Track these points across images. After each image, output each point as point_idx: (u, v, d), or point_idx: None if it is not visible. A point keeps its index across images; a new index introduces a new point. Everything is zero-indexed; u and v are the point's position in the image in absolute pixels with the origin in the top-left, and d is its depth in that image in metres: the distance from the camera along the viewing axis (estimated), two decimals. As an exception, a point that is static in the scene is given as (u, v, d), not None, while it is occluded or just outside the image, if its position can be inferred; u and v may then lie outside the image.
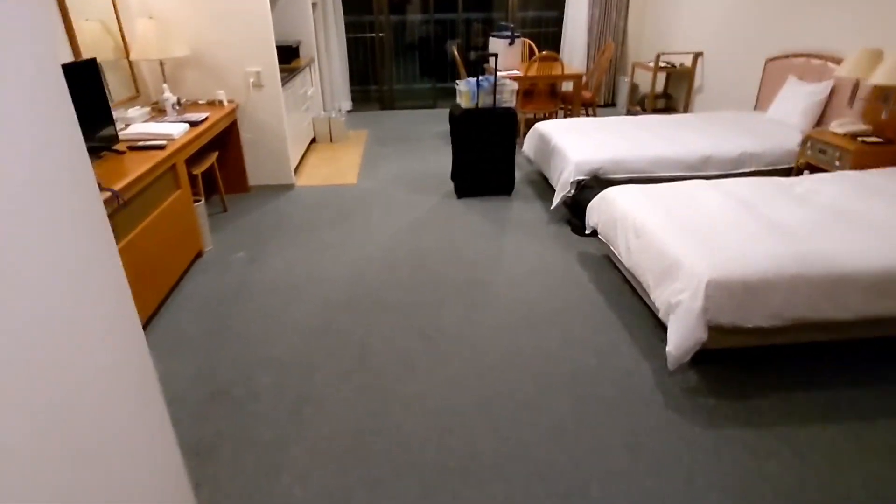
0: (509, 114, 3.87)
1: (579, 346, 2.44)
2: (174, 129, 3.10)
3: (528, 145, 4.39)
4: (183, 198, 3.05)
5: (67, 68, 2.52)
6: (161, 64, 3.80)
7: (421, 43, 7.56)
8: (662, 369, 2.28)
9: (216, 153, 3.82)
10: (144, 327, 2.62)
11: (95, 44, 3.31)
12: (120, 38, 3.55)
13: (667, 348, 2.13)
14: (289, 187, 4.42)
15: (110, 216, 2.34)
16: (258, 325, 2.63)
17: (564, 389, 2.19)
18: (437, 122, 6.53)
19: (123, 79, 3.61)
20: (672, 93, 6.08)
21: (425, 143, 5.66)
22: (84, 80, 2.64)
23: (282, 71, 4.67)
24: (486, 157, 3.98)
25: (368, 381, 2.26)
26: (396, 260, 3.23)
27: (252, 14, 3.85)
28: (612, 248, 2.83)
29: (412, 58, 7.66)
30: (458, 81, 3.94)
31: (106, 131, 2.79)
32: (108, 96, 2.78)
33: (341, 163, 5.06)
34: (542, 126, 4.21)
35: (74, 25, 3.04)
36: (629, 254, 2.59)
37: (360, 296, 2.86)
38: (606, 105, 7.13)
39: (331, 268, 3.15)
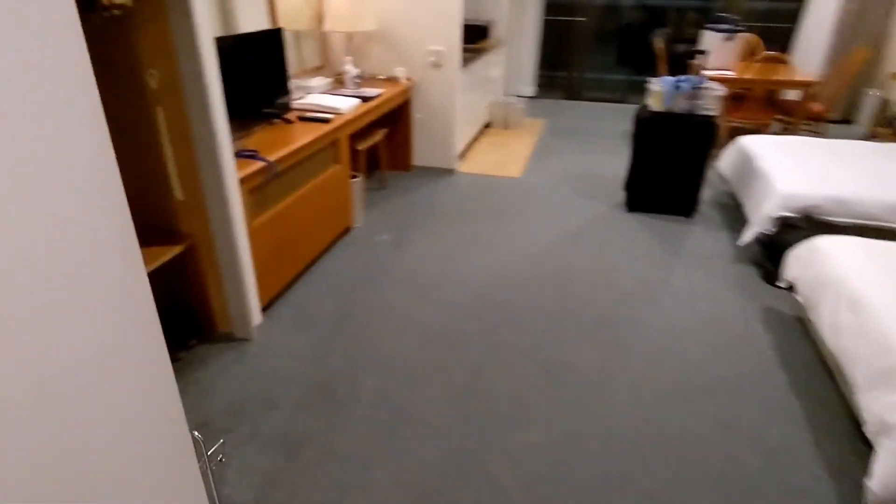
0: (707, 123, 3.25)
1: (741, 438, 1.92)
2: (344, 104, 3.11)
3: (726, 161, 3.69)
4: (340, 173, 3.06)
5: (255, 36, 2.61)
6: (349, 37, 3.87)
7: (624, 30, 6.89)
8: (852, 499, 1.69)
9: (385, 130, 3.82)
10: (278, 297, 2.68)
11: (296, 13, 3.45)
12: (318, 9, 3.66)
13: (868, 481, 1.55)
14: (450, 172, 4.30)
15: (262, 185, 2.39)
16: (381, 317, 2.53)
17: (707, 493, 1.72)
18: (623, 119, 5.93)
19: (315, 48, 3.74)
20: (943, 116, 4.72)
21: (604, 142, 5.14)
22: (268, 49, 2.72)
23: (466, 51, 4.52)
24: (671, 170, 3.42)
25: (474, 411, 2.01)
26: (541, 272, 2.91)
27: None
28: (811, 314, 2.20)
29: (610, 46, 7.04)
30: (651, 79, 3.40)
31: (281, 100, 2.87)
32: (286, 66, 2.85)
33: (509, 152, 4.81)
34: (748, 141, 3.49)
35: None
36: (836, 332, 1.96)
37: (491, 306, 2.61)
38: (840, 122, 5.84)
39: (469, 268, 2.95)
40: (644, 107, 3.48)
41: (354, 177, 3.29)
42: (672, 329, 2.48)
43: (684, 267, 2.99)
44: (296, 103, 3.13)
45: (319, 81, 3.54)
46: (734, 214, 3.63)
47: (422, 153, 4.30)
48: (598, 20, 6.66)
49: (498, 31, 5.54)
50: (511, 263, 3.00)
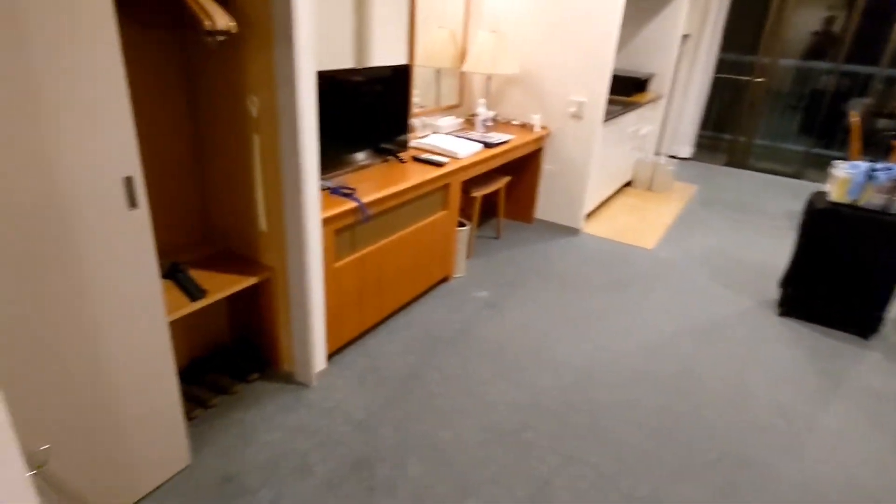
0: (912, 226, 2.53)
1: None
2: (463, 148, 2.92)
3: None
4: (446, 219, 2.85)
5: (381, 71, 2.51)
6: (488, 78, 3.70)
7: (812, 96, 5.98)
8: None
9: (507, 179, 3.57)
10: (353, 341, 2.51)
11: (439, 50, 3.37)
12: (461, 48, 3.55)
13: None
14: (573, 232, 3.91)
15: (352, 226, 2.25)
16: (452, 390, 2.24)
17: None
18: (792, 198, 5.07)
19: (453, 87, 3.63)
20: None
21: (764, 222, 4.39)
22: (394, 85, 2.61)
23: (616, 103, 4.15)
24: (849, 274, 2.72)
25: (526, 545, 1.63)
26: (654, 374, 2.42)
27: (596, 41, 3.41)
28: None
29: (791, 112, 6.14)
30: (836, 162, 2.76)
31: (399, 137, 2.75)
32: (409, 104, 2.73)
33: (647, 218, 4.28)
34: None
35: (424, 31, 3.11)
36: None
37: (581, 406, 2.19)
38: None
39: (568, 349, 2.55)
40: (821, 194, 2.82)
41: (462, 224, 3.07)
42: (813, 490, 1.86)
43: (846, 406, 2.30)
44: (416, 142, 3.00)
45: (449, 121, 3.40)
46: (934, 345, 2.79)
47: (546, 207, 3.97)
48: (780, 82, 5.86)
49: (658, 85, 5.06)
50: (619, 354, 2.54)
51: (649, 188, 5.01)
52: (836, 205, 2.65)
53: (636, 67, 5.10)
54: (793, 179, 5.71)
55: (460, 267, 3.17)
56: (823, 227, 2.70)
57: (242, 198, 2.06)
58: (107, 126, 1.28)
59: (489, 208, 4.18)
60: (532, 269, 3.33)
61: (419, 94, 3.30)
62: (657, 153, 5.95)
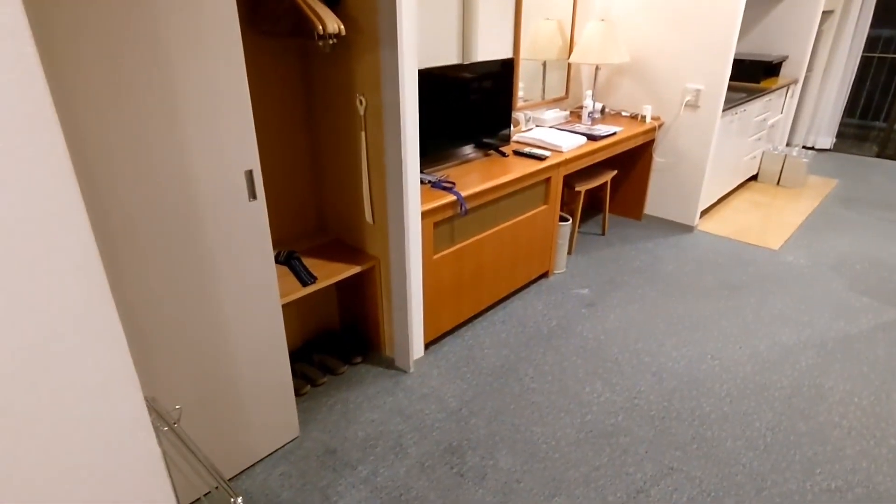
0: None
1: None
2: (567, 142, 2.86)
3: None
4: (547, 214, 2.82)
5: (484, 66, 2.54)
6: (596, 69, 3.58)
7: None
8: None
9: (613, 172, 3.44)
10: (451, 332, 2.57)
11: (546, 42, 3.33)
12: (569, 38, 3.48)
13: None
14: (688, 229, 3.68)
15: (451, 219, 2.30)
16: (547, 386, 2.22)
17: None
18: (964, 195, 4.36)
19: (560, 79, 3.56)
20: None
21: (924, 223, 3.83)
22: (498, 79, 2.63)
23: (740, 90, 3.84)
24: None
25: (616, 550, 1.58)
26: (770, 389, 2.23)
27: (716, 23, 3.17)
28: None
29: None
30: None
31: (502, 132, 2.76)
32: (513, 97, 2.72)
33: (773, 216, 3.91)
34: None
35: (530, 23, 3.10)
36: None
37: (682, 416, 2.07)
38: None
39: (670, 356, 2.42)
40: None
41: (564, 219, 3.01)
42: (970, 537, 1.61)
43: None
44: (519, 136, 2.99)
45: (554, 114, 3.34)
46: None
47: (657, 202, 3.77)
48: None
49: (793, 69, 4.59)
50: (728, 364, 2.36)
51: (778, 183, 4.57)
52: None
53: (766, 50, 4.65)
54: (963, 173, 4.91)
55: (561, 263, 3.12)
56: None
57: (351, 192, 2.19)
58: (230, 125, 1.43)
59: (595, 203, 4.06)
60: (638, 267, 3.18)
61: (524, 88, 3.27)
62: (789, 144, 5.40)
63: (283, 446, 1.93)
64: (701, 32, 3.24)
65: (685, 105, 3.43)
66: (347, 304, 2.49)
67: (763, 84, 4.23)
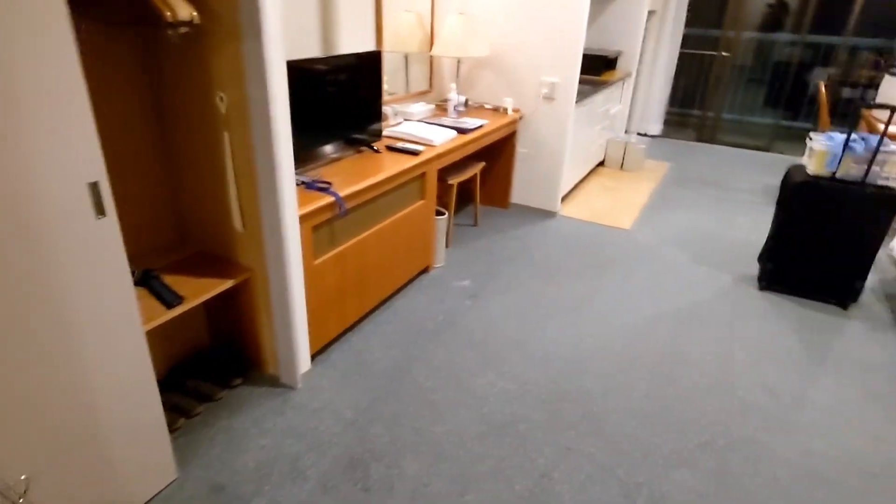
0: (887, 197, 2.57)
1: None
2: (438, 136, 2.85)
3: (901, 243, 2.95)
4: (424, 209, 2.79)
5: (349, 59, 2.42)
6: (458, 62, 3.63)
7: (776, 69, 6.06)
8: None
9: (482, 164, 3.52)
10: (340, 336, 2.45)
11: (407, 35, 3.28)
12: (429, 32, 3.47)
13: None
14: (550, 215, 3.89)
15: (330, 221, 2.17)
16: (442, 383, 2.21)
17: None
18: (764, 171, 5.15)
19: (422, 72, 3.54)
20: None
21: (739, 197, 4.45)
22: (364, 72, 2.52)
23: (586, 83, 4.12)
24: (828, 246, 2.77)
25: (528, 538, 1.61)
26: (639, 358, 2.43)
27: (566, 19, 3.37)
28: None
29: (756, 85, 6.23)
30: (812, 134, 2.79)
31: (373, 126, 2.67)
32: (381, 91, 2.65)
33: (622, 198, 4.30)
34: (938, 223, 2.74)
35: (390, 16, 3.02)
36: None
37: (571, 396, 2.19)
38: None
39: (552, 337, 2.53)
40: (799, 167, 2.85)
41: (441, 213, 3.02)
42: (808, 468, 1.90)
43: (835, 378, 2.35)
44: (389, 130, 2.92)
45: (420, 107, 3.32)
46: (905, 311, 2.87)
47: (522, 191, 3.94)
48: (744, 55, 5.92)
49: (626, 63, 5.06)
50: (603, 340, 2.54)
51: (622, 167, 5.03)
52: (814, 178, 2.69)
53: (604, 45, 5.08)
54: (763, 153, 5.81)
55: (440, 256, 3.13)
56: (802, 200, 2.74)
57: (215, 198, 1.96)
58: (67, 129, 1.18)
59: (465, 195, 4.14)
60: (512, 255, 3.30)
61: (388, 81, 3.21)
62: (627, 132, 5.97)
63: (160, 492, 1.69)
64: (553, 28, 3.42)
65: (542, 97, 3.61)
66: (217, 321, 2.26)
67: (604, 77, 4.61)
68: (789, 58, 5.92)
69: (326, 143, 2.44)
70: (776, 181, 4.86)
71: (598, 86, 4.23)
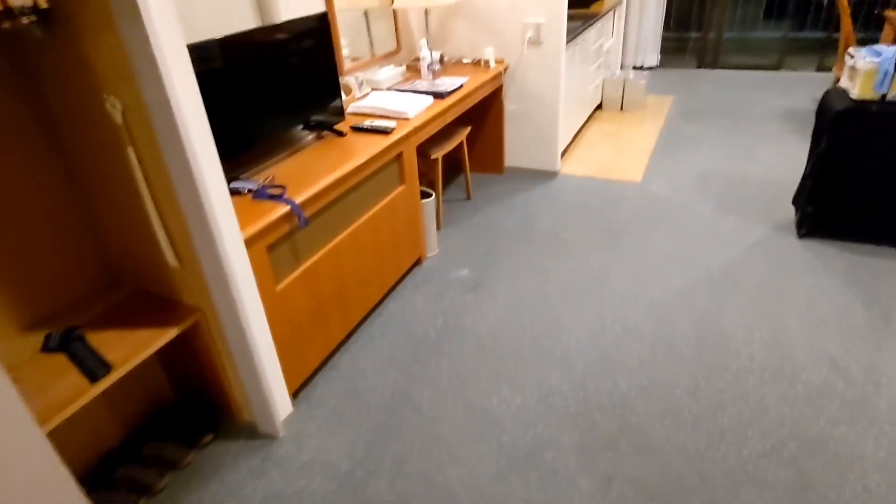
0: (948, 116, 2.15)
1: None
2: (413, 106, 2.41)
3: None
4: (407, 195, 2.39)
5: (287, 28, 1.95)
6: (427, 13, 3.13)
7: None
8: None
9: (467, 129, 3.08)
10: (326, 361, 2.09)
11: (355, -11, 2.78)
12: (386, -19, 2.96)
13: None
14: (551, 175, 3.47)
15: (290, 235, 1.78)
16: (449, 411, 1.86)
17: None
18: (779, 93, 4.67)
19: (387, 30, 3.05)
20: None
21: (757, 127, 4.00)
22: (314, 40, 2.07)
23: (574, 18, 3.62)
24: (878, 180, 2.37)
25: None
26: (679, 345, 2.07)
27: (544, -56, 2.85)
28: None
29: (759, -4, 5.65)
30: (853, 50, 2.33)
31: (332, 104, 2.23)
32: (335, 61, 2.19)
33: (626, 144, 3.85)
34: None
35: None
36: None
37: (601, 403, 1.84)
38: None
39: (569, 331, 2.17)
40: (839, 92, 2.41)
41: (427, 195, 2.61)
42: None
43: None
44: (354, 106, 2.48)
45: (389, 72, 2.86)
46: (971, 243, 2.48)
47: (516, 152, 3.51)
48: None
49: (616, -10, 4.50)
50: (630, 324, 2.17)
51: (622, 108, 4.55)
52: (861, 102, 2.25)
53: (590, -27, 4.51)
54: (773, 72, 5.29)
55: (432, 244, 2.74)
56: (847, 130, 2.31)
57: (139, 230, 1.57)
58: None
59: (453, 165, 3.71)
60: (512, 229, 2.91)
61: (349, 45, 2.74)
62: (623, 67, 5.45)
63: None
64: (531, -42, 2.91)
65: (527, 42, 3.13)
66: (178, 366, 1.90)
67: (593, 9, 4.08)
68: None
69: (276, 135, 2.02)
70: (794, 103, 4.38)
71: (589, 19, 3.72)
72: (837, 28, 5.13)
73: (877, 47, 2.27)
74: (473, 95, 2.87)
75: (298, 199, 1.72)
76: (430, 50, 2.94)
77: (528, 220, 2.99)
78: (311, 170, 1.91)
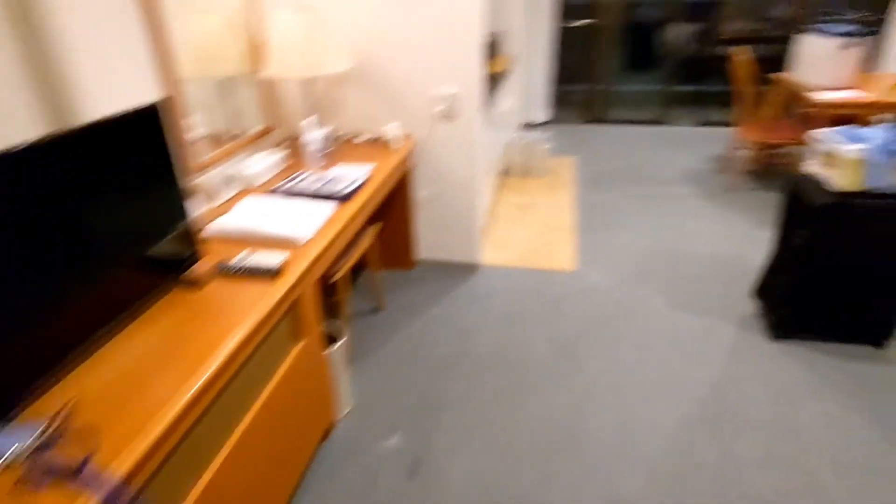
0: (936, 208, 1.90)
1: None
2: (304, 224, 1.68)
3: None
4: (307, 353, 1.63)
5: (104, 127, 1.13)
6: (310, 84, 2.43)
7: (643, 31, 5.56)
8: None
9: (376, 228, 2.40)
10: None
11: (219, 51, 2.01)
12: (252, 41, 2.22)
13: None
14: (472, 269, 2.88)
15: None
16: None
17: None
18: (673, 151, 4.58)
19: (254, 102, 2.29)
20: None
21: (670, 192, 3.78)
22: (136, 147, 1.27)
23: (481, 85, 3.11)
24: (860, 277, 2.07)
25: None
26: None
27: (457, 6, 2.31)
28: None
29: (631, 50, 5.69)
30: (821, 134, 2.04)
31: (177, 229, 1.42)
32: (173, 168, 1.40)
33: (546, 221, 3.41)
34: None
35: (182, 24, 1.73)
36: None
37: None
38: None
39: (566, 532, 1.54)
40: (811, 182, 2.09)
41: (332, 340, 1.87)
42: None
43: (952, 488, 1.63)
44: (217, 225, 1.68)
45: (264, 161, 2.10)
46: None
47: (430, 243, 2.88)
48: (612, 20, 5.28)
49: (508, 46, 4.15)
50: (629, 492, 1.60)
51: (527, 174, 4.15)
52: (847, 195, 1.93)
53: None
54: (660, 126, 5.27)
55: (345, 398, 1.98)
56: (830, 226, 1.98)
57: None
58: None
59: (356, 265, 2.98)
60: (447, 356, 2.24)
61: (206, 122, 1.94)
62: (520, 126, 5.13)
63: None
64: (440, 18, 2.34)
65: (439, 116, 2.54)
66: None
67: (494, 66, 3.65)
68: (653, 18, 5.45)
69: (75, 312, 1.17)
70: (692, 163, 4.29)
71: (495, 80, 3.26)
72: (714, 82, 5.30)
73: (851, 129, 1.99)
74: (383, 187, 2.20)
75: (115, 476, 0.90)
76: (320, 128, 2.23)
77: (461, 338, 2.35)
78: (143, 381, 1.10)
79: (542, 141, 4.06)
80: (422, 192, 2.73)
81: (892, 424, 1.85)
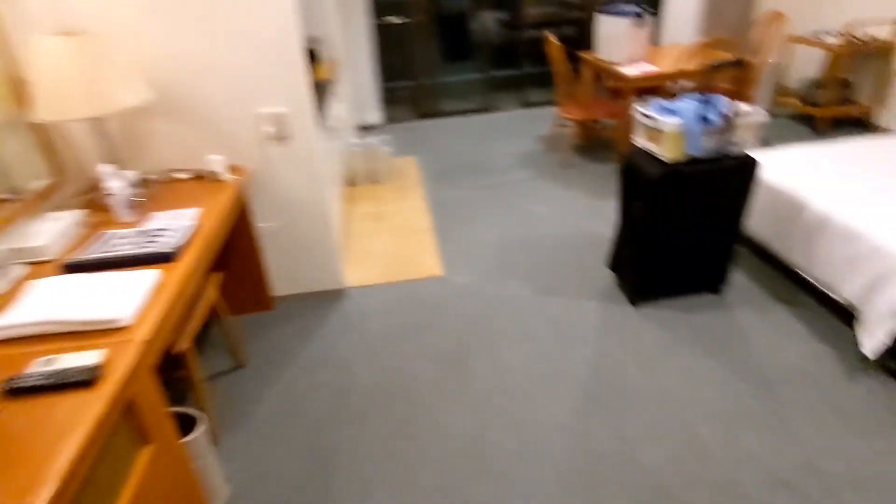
0: (745, 164, 2.13)
1: None
2: (122, 298, 1.36)
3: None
4: (159, 453, 1.33)
5: None
6: (102, 123, 2.02)
7: (457, 21, 5.69)
8: None
9: (220, 277, 2.09)
10: None
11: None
12: (9, 75, 1.77)
13: None
14: (337, 295, 2.68)
15: None
16: None
17: None
18: (505, 136, 4.73)
19: (30, 151, 1.84)
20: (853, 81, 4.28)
21: (511, 178, 3.89)
22: None
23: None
24: (693, 234, 2.26)
25: None
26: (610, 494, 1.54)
27: (267, 12, 2.06)
28: None
29: (447, 41, 5.79)
30: (645, 109, 2.17)
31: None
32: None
33: (403, 228, 3.30)
34: (780, 173, 2.47)
35: None
36: None
37: None
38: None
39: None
40: (642, 154, 2.22)
41: (187, 420, 1.57)
42: None
43: (804, 417, 1.84)
44: (2, 324, 1.29)
45: (52, 228, 1.70)
46: (771, 275, 2.60)
47: (286, 277, 2.62)
48: (423, 14, 5.31)
49: (330, 50, 3.94)
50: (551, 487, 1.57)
51: (374, 180, 4.01)
52: (676, 166, 2.08)
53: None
54: (487, 114, 5.42)
55: (218, 489, 1.69)
56: (665, 193, 2.13)
57: None
58: None
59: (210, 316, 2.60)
60: (328, 411, 2.03)
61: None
62: (353, 129, 4.94)
63: None
64: (250, 30, 2.08)
65: (268, 139, 2.28)
66: None
67: (319, 75, 3.42)
68: (463, 7, 5.62)
69: None
70: (525, 146, 4.46)
71: (323, 88, 3.04)
72: (528, 64, 5.60)
73: (662, 102, 2.14)
74: (219, 230, 1.90)
75: None
76: (121, 174, 1.86)
77: (341, 374, 2.16)
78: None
79: (381, 144, 3.94)
80: (263, 225, 2.45)
81: (737, 361, 2.05)
